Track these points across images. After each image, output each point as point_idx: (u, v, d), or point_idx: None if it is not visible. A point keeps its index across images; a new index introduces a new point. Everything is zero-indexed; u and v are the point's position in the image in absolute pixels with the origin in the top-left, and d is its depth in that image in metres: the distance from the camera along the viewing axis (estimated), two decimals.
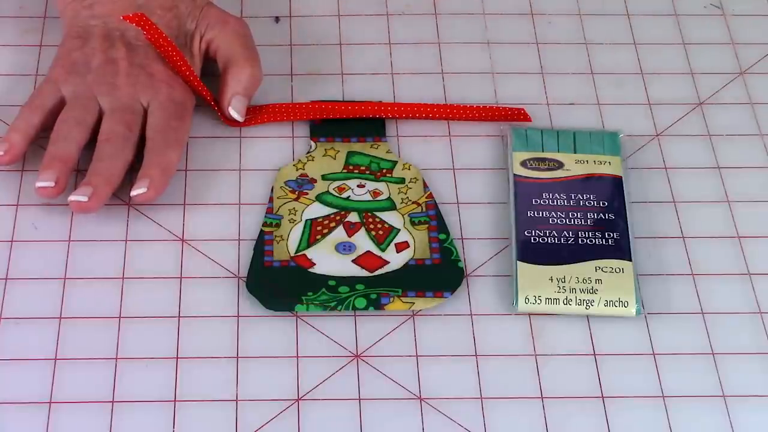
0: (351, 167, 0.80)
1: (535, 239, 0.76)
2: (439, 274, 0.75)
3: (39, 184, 0.75)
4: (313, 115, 0.82)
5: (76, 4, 0.81)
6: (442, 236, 0.76)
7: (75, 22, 0.81)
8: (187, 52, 0.80)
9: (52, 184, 0.75)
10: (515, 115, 0.83)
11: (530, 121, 0.83)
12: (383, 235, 0.76)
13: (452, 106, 0.83)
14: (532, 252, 0.75)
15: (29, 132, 0.77)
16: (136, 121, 0.77)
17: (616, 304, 0.73)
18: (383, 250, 0.76)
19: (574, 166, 0.79)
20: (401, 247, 0.76)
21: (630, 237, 0.76)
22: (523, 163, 0.79)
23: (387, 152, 0.81)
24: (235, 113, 0.81)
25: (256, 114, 0.82)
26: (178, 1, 0.81)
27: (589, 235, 0.76)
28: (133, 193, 0.75)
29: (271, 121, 0.82)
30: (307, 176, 0.79)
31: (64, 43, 0.81)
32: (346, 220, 0.77)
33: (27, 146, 0.77)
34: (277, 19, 0.89)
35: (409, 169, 0.80)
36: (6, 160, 0.77)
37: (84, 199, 0.74)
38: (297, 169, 0.80)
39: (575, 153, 0.80)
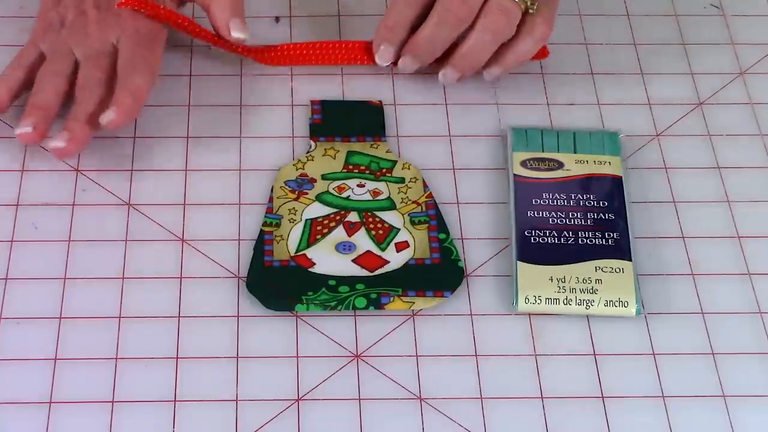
0: (351, 167, 0.80)
1: (535, 239, 0.76)
2: (439, 274, 0.75)
3: (18, 131, 0.77)
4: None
5: None
6: (442, 236, 0.76)
7: None
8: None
9: (30, 129, 0.77)
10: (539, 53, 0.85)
11: (548, 53, 0.85)
12: (383, 235, 0.76)
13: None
14: (532, 252, 0.75)
15: (11, 84, 0.80)
16: (109, 63, 0.80)
17: (616, 304, 0.73)
18: (383, 250, 0.76)
19: (574, 166, 0.79)
20: (401, 246, 0.76)
21: (630, 237, 0.76)
22: (523, 163, 0.79)
23: (387, 152, 0.81)
24: (238, 34, 0.83)
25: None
26: None
27: (589, 235, 0.76)
28: (103, 120, 0.77)
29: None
30: (307, 176, 0.79)
31: (41, 5, 0.84)
32: (346, 219, 0.77)
33: (10, 99, 0.80)
34: (277, 19, 0.89)
35: (409, 169, 0.80)
36: None
37: (62, 144, 0.76)
38: (297, 169, 0.80)
39: (575, 153, 0.80)
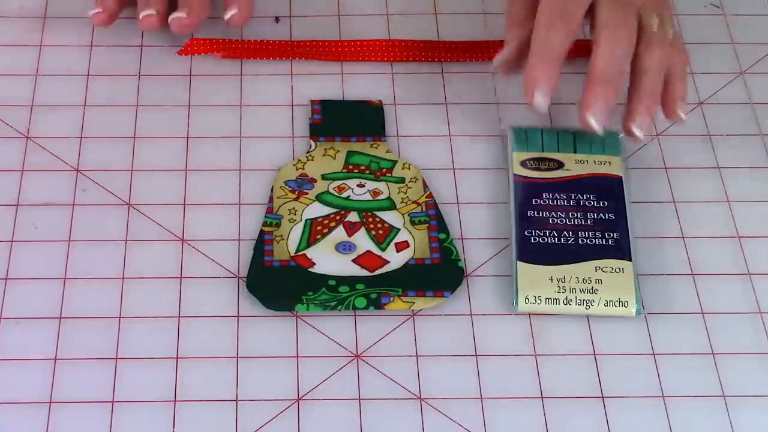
0: (351, 167, 0.80)
1: (535, 239, 0.76)
2: (439, 274, 0.75)
3: (91, 12, 0.83)
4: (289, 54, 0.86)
5: None
6: (442, 236, 0.76)
7: None
8: None
9: (100, 9, 0.83)
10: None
11: None
12: (383, 235, 0.76)
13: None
14: (532, 252, 0.75)
15: None
16: None
17: (616, 304, 0.73)
18: (383, 250, 0.76)
19: (574, 166, 0.79)
20: (401, 246, 0.76)
21: (630, 237, 0.76)
22: (523, 163, 0.79)
23: (387, 152, 0.81)
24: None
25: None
26: None
27: (589, 235, 0.76)
28: (226, 15, 0.83)
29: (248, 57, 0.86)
30: (307, 176, 0.79)
31: None
32: (346, 219, 0.77)
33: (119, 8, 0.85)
34: (277, 19, 0.89)
35: (409, 169, 0.80)
36: (102, 18, 0.84)
37: (183, 15, 0.82)
38: (297, 169, 0.80)
39: (575, 153, 0.80)
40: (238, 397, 0.69)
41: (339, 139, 0.82)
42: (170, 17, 0.82)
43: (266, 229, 0.77)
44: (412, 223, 0.77)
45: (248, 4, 0.84)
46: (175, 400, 0.69)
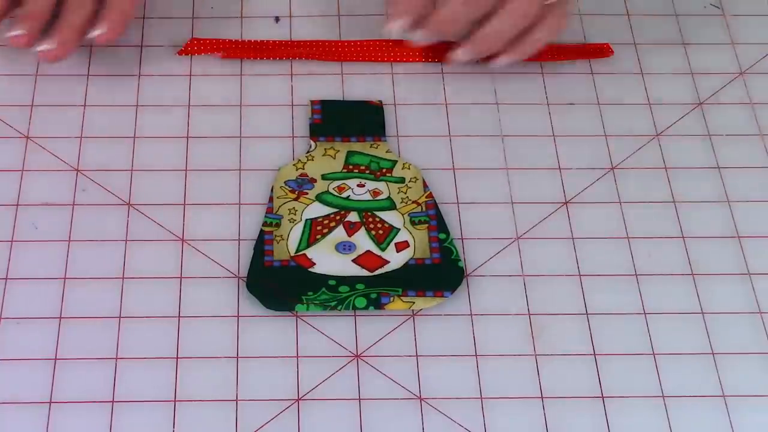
0: (351, 167, 0.80)
1: None
2: (439, 274, 0.75)
3: (10, 34, 0.80)
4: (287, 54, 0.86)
5: None
6: (442, 236, 0.76)
7: None
8: None
9: (22, 32, 0.80)
10: (599, 51, 0.86)
11: (612, 54, 0.86)
12: (383, 235, 0.76)
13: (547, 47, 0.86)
14: None
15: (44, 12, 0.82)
16: None
17: None
18: (383, 250, 0.76)
19: None
20: (401, 246, 0.76)
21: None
22: None
23: (387, 152, 0.81)
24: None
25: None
26: None
27: None
28: (93, 33, 0.80)
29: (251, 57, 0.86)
30: (307, 176, 0.79)
31: None
32: (346, 219, 0.77)
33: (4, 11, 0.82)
34: (277, 19, 0.89)
35: (409, 169, 0.80)
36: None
37: (52, 46, 0.80)
38: (297, 169, 0.80)
39: None
40: (238, 397, 0.69)
41: (339, 139, 0.82)
42: (38, 48, 0.81)
43: (266, 229, 0.77)
44: (412, 223, 0.77)
45: (119, 24, 0.81)
46: (175, 400, 0.69)
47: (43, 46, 0.80)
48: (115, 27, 0.81)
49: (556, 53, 0.86)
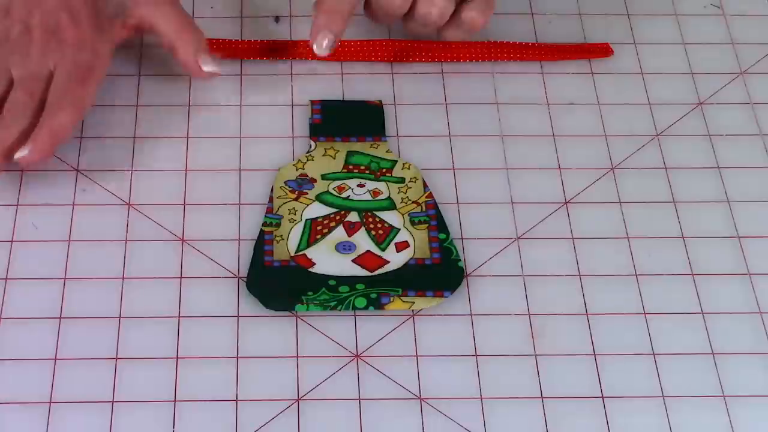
0: (351, 167, 0.80)
1: None
2: (439, 274, 0.75)
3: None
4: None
5: None
6: (442, 236, 0.77)
7: None
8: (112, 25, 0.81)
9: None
10: (598, 50, 0.86)
11: (612, 53, 0.87)
12: (383, 235, 0.76)
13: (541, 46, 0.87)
14: None
15: None
16: (40, 88, 0.77)
17: None
18: (383, 250, 0.76)
19: None
20: (401, 246, 0.76)
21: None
22: None
23: (387, 152, 0.81)
24: (210, 68, 0.81)
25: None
26: None
27: None
28: (16, 155, 0.75)
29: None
30: (307, 176, 0.79)
31: None
32: (346, 219, 0.77)
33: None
34: (277, 19, 0.89)
35: (409, 169, 0.80)
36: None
37: (25, 153, 0.74)
38: (297, 169, 0.80)
39: None
40: (238, 397, 0.69)
41: (339, 139, 0.82)
42: (15, 156, 0.75)
43: (266, 229, 0.77)
44: (412, 223, 0.77)
45: (46, 145, 0.75)
46: (175, 400, 0.69)
47: (19, 153, 0.75)
48: (43, 150, 0.75)
49: (556, 53, 0.86)
